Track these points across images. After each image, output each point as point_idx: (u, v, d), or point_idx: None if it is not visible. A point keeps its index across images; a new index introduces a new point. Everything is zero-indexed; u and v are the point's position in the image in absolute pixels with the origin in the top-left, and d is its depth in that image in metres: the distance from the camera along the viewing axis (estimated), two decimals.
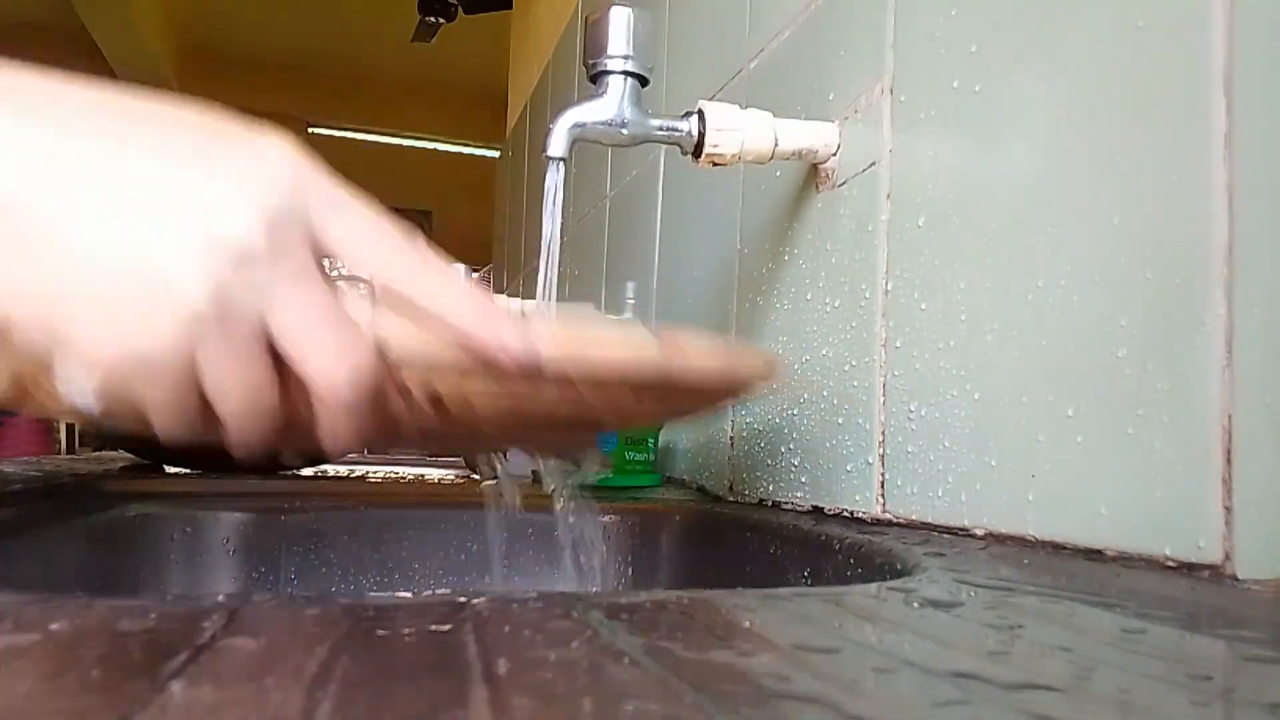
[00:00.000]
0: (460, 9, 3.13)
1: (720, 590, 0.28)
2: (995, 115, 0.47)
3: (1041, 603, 0.28)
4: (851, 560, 0.42)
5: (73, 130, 0.22)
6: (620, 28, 0.58)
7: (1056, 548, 0.41)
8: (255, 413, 0.24)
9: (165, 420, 0.23)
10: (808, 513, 0.60)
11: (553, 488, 0.49)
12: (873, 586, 0.30)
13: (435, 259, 0.25)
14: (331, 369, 0.23)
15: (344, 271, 0.24)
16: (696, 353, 0.29)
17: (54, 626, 0.20)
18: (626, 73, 0.58)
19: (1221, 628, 0.26)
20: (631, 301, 1.05)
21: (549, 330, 0.25)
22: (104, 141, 0.22)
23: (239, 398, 0.23)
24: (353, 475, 0.81)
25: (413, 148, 5.96)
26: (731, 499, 0.72)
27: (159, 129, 0.23)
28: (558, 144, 0.57)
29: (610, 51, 0.58)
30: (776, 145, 0.60)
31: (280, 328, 0.23)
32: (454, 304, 0.25)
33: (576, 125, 0.58)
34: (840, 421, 0.59)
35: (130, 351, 0.21)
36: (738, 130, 0.59)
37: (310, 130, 5.78)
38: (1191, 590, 0.31)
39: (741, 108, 0.60)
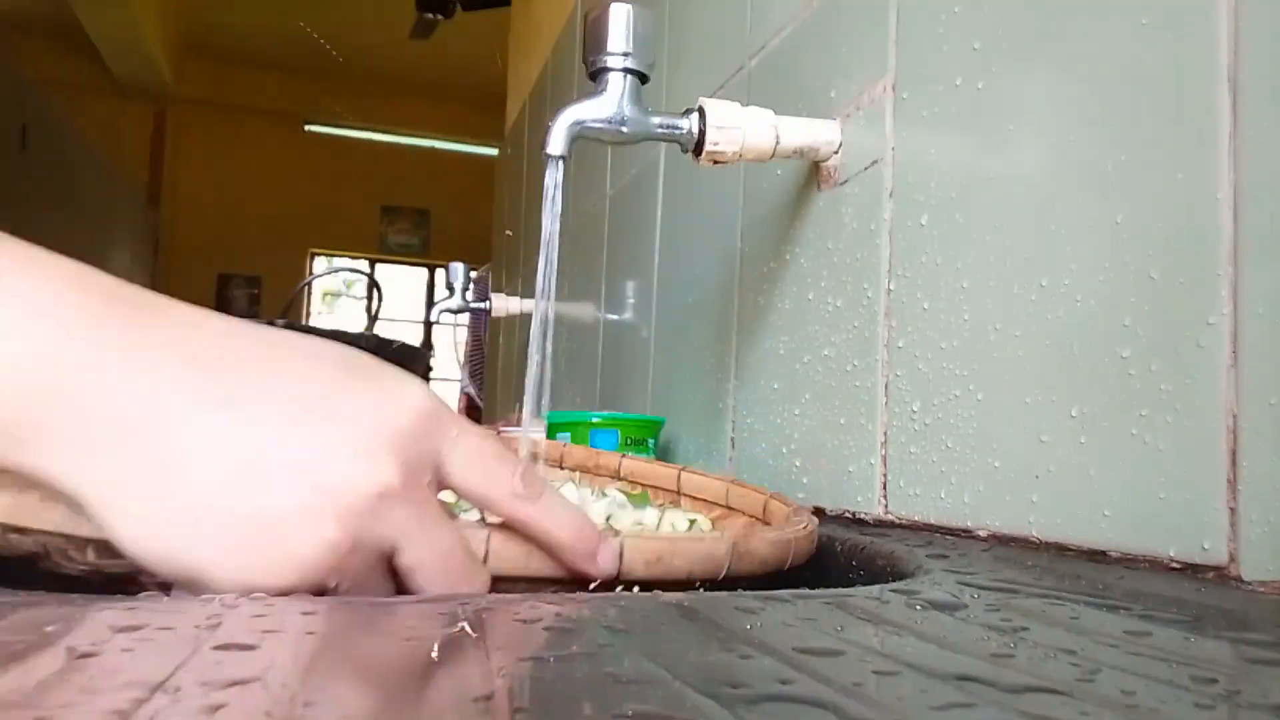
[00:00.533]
0: (458, 6, 3.13)
1: (721, 592, 0.28)
2: (998, 113, 0.47)
3: (1045, 605, 0.28)
4: (853, 562, 0.42)
5: (211, 375, 0.24)
6: (620, 24, 0.57)
7: (1060, 549, 0.40)
8: None
9: None
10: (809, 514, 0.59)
11: None
12: (875, 588, 0.30)
13: (540, 482, 0.28)
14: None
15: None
16: (759, 544, 0.33)
17: (50, 628, 0.20)
18: (626, 70, 0.58)
19: (1226, 630, 0.25)
20: (631, 301, 1.05)
21: (635, 545, 0.29)
22: (243, 387, 0.24)
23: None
24: None
25: (411, 146, 5.97)
26: None
27: (296, 378, 0.25)
28: (557, 142, 0.57)
29: (610, 48, 0.57)
30: (778, 143, 0.60)
31: (410, 563, 0.25)
32: (556, 524, 0.27)
33: (576, 123, 0.57)
34: (842, 422, 0.59)
35: (262, 588, 0.23)
36: (738, 128, 0.59)
37: (306, 128, 5.79)
38: (1196, 592, 0.31)
39: (742, 105, 0.60)
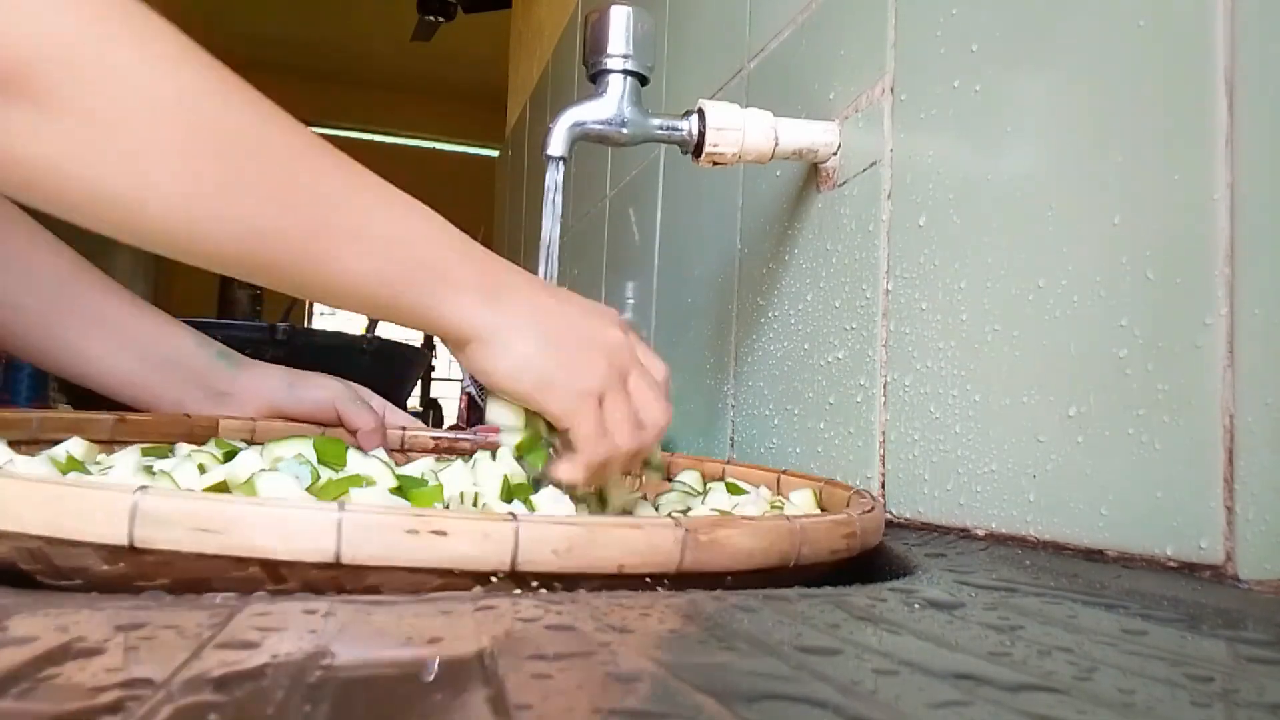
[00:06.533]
0: (459, 8, 3.13)
1: (720, 590, 0.28)
2: (996, 114, 0.47)
3: (1042, 603, 0.28)
4: (851, 561, 0.42)
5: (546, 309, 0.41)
6: (620, 26, 0.58)
7: (1057, 548, 0.41)
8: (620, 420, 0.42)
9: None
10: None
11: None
12: (873, 587, 0.30)
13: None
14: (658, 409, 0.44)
15: None
16: (735, 534, 0.30)
17: (54, 626, 0.20)
18: (626, 71, 0.58)
19: (1223, 628, 0.26)
20: (631, 301, 1.05)
21: (535, 532, 0.27)
22: (552, 306, 0.41)
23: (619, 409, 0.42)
24: None
25: (412, 147, 5.97)
26: None
27: (578, 305, 0.43)
28: (557, 143, 0.57)
29: (610, 50, 0.58)
30: (777, 144, 0.60)
31: (634, 382, 0.43)
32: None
33: (576, 124, 0.57)
34: (841, 422, 0.59)
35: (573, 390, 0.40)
36: (738, 129, 0.59)
37: (309, 129, 5.78)
38: (1193, 591, 0.31)
39: (742, 107, 0.60)
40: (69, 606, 0.21)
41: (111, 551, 0.25)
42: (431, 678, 0.18)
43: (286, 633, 0.20)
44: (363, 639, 0.20)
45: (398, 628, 0.21)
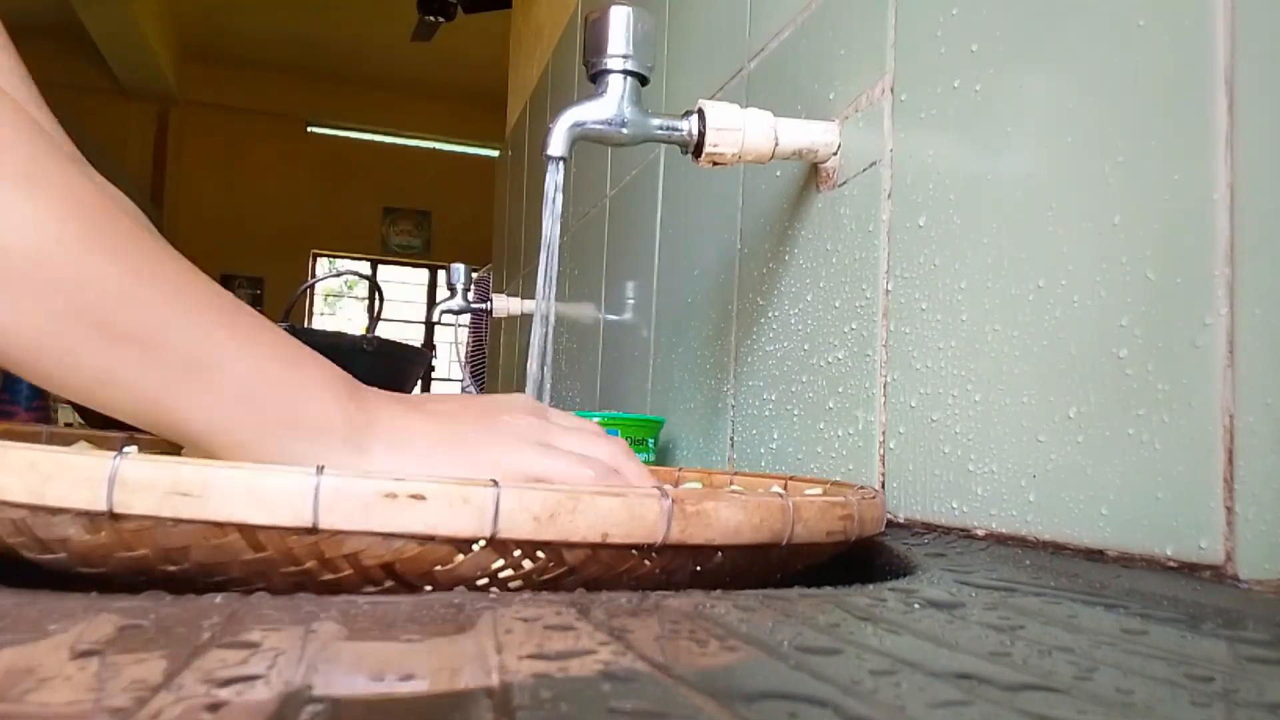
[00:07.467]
0: (460, 8, 3.14)
1: (719, 590, 0.28)
2: (996, 115, 0.47)
3: (1042, 603, 0.28)
4: (851, 560, 0.42)
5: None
6: (620, 27, 0.58)
7: (1057, 548, 0.41)
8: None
9: None
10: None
11: None
12: (873, 587, 0.30)
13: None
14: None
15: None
16: (811, 511, 0.30)
17: (53, 626, 0.20)
18: (626, 72, 0.58)
19: (1223, 628, 0.26)
20: (631, 301, 1.05)
21: (517, 497, 0.26)
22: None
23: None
24: None
25: (412, 147, 5.97)
26: None
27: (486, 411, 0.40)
28: (557, 143, 0.57)
29: (610, 50, 0.58)
30: (777, 145, 0.60)
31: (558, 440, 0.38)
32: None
33: (576, 124, 0.57)
34: (841, 422, 0.59)
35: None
36: (738, 129, 0.59)
37: (309, 130, 5.79)
38: (1193, 590, 0.31)
39: (742, 107, 0.60)
40: (69, 606, 0.21)
41: (92, 519, 0.25)
42: (432, 678, 0.18)
43: (287, 633, 0.20)
44: (363, 639, 0.20)
45: (398, 627, 0.21)
